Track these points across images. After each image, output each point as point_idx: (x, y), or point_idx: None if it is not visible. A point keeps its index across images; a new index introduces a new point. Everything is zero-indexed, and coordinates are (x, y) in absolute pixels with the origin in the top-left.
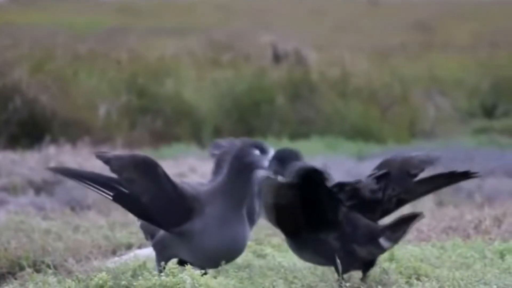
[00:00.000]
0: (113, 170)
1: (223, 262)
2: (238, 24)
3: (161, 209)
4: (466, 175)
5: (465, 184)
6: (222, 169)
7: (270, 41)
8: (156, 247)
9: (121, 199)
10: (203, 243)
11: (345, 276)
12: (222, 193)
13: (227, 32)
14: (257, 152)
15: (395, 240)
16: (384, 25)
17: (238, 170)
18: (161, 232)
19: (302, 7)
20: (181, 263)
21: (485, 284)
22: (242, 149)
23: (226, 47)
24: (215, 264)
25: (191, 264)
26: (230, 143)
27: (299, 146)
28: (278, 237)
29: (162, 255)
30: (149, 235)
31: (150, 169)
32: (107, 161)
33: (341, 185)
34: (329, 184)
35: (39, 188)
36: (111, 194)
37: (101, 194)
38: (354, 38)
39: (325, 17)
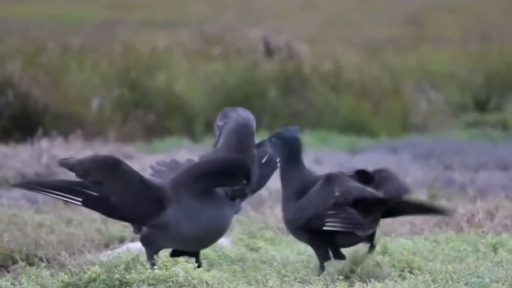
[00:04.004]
0: (78, 175)
1: (210, 242)
2: (229, 17)
3: (132, 205)
4: (439, 212)
5: (458, 177)
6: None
7: (261, 34)
8: (143, 242)
9: (90, 203)
10: (182, 232)
11: (338, 269)
12: (191, 176)
13: (218, 26)
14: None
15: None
16: (374, 19)
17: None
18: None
19: (292, 1)
20: (174, 253)
21: (478, 277)
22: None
23: (217, 41)
24: (202, 246)
25: (182, 250)
26: (236, 113)
27: None
28: (271, 231)
29: (151, 249)
30: (137, 228)
31: (113, 167)
32: (70, 167)
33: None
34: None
35: None
36: (80, 200)
37: (70, 202)
38: (344, 32)
39: (315, 10)
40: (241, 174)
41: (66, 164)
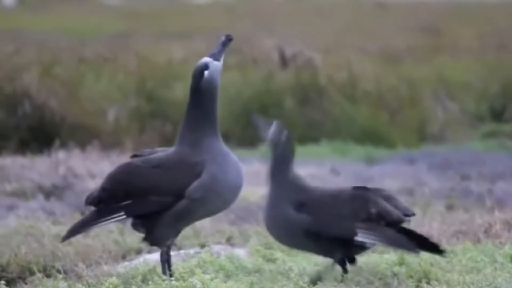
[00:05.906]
0: (109, 201)
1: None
2: (243, 27)
3: (168, 182)
4: (433, 248)
5: (475, 188)
6: None
7: (276, 44)
8: (149, 239)
9: (132, 209)
10: (220, 179)
11: (356, 280)
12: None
13: (233, 36)
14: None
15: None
16: (390, 28)
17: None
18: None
19: (307, 9)
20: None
21: None
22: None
23: (233, 51)
24: (228, 201)
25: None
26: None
27: (308, 150)
28: None
29: (162, 244)
30: (142, 226)
31: (129, 171)
32: (99, 201)
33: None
34: None
35: (49, 192)
36: (122, 213)
37: (116, 221)
38: (360, 41)
39: (330, 19)
40: None
41: (92, 201)
